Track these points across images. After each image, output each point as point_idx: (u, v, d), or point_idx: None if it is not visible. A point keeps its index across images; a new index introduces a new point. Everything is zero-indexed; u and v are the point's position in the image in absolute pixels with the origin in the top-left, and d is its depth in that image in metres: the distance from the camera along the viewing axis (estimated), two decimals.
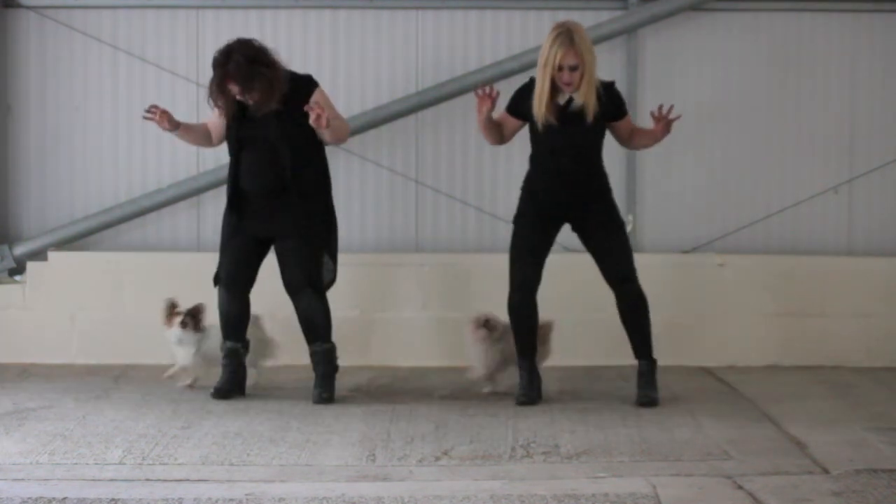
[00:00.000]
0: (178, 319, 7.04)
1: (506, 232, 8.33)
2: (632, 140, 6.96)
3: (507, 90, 8.12)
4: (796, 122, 8.42)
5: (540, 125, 6.72)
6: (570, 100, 6.69)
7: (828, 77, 8.41)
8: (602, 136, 6.86)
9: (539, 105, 6.67)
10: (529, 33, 8.31)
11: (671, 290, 8.02)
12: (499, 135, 7.01)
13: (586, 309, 7.68)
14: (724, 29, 8.39)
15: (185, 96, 8.31)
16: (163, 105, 8.33)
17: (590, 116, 6.66)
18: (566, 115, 6.70)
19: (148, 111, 6.87)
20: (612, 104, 6.78)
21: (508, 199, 8.35)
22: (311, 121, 6.66)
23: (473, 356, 7.10)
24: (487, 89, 6.79)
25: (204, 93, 7.93)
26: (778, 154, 8.43)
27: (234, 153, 6.90)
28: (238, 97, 6.73)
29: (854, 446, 5.86)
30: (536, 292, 6.87)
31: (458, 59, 8.33)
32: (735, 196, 8.43)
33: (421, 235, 8.42)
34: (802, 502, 4.95)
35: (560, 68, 6.60)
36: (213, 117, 6.99)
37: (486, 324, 7.03)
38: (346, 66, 8.34)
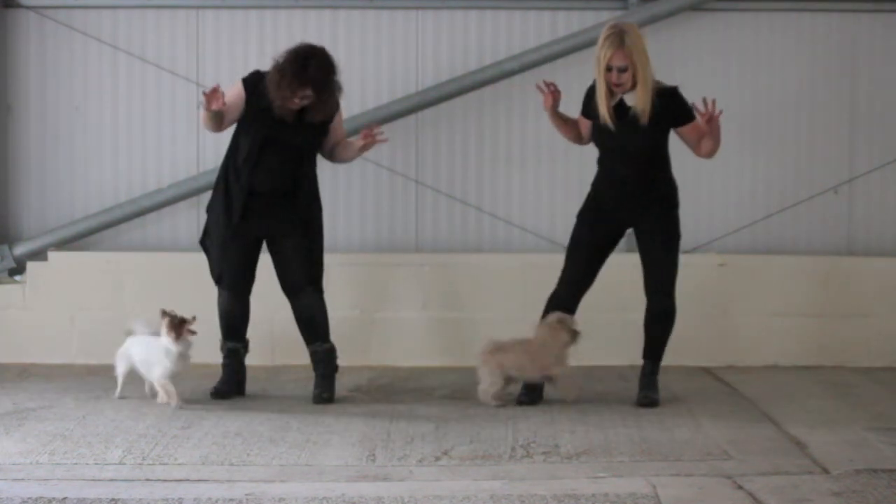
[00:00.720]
0: (188, 327, 6.79)
1: (506, 232, 8.38)
2: (700, 147, 6.74)
3: (507, 90, 8.16)
4: (796, 121, 8.42)
5: (606, 126, 6.63)
6: (622, 102, 6.63)
7: (828, 77, 8.41)
8: (663, 142, 6.73)
9: (602, 106, 6.60)
10: (529, 33, 8.31)
11: None
12: (574, 133, 6.95)
13: (586, 309, 7.65)
14: (724, 29, 8.39)
15: (185, 96, 8.31)
16: (162, 105, 8.36)
17: (644, 120, 6.57)
18: (621, 118, 6.63)
19: (212, 92, 6.59)
20: (673, 109, 6.66)
21: (508, 199, 8.38)
22: (360, 146, 6.83)
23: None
24: (545, 84, 6.73)
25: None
26: (778, 154, 8.43)
27: (255, 152, 6.79)
28: (300, 102, 6.65)
29: (854, 446, 5.86)
30: (583, 294, 6.81)
31: (458, 59, 8.33)
32: (735, 196, 8.43)
33: (421, 235, 8.42)
34: (802, 502, 4.95)
35: (609, 69, 6.54)
36: (229, 101, 6.70)
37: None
38: (346, 66, 8.26)
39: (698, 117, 6.61)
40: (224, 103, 6.63)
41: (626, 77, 6.55)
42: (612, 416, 6.51)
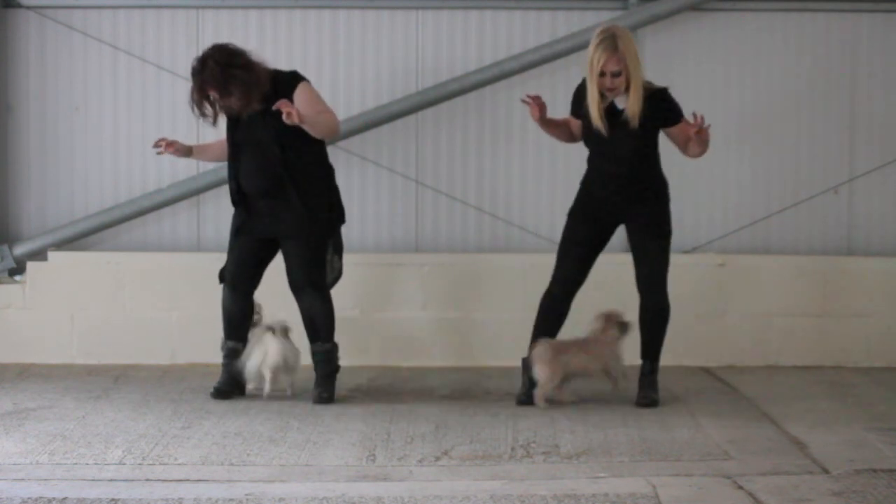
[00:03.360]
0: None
1: (506, 232, 8.37)
2: (687, 148, 6.79)
3: (507, 90, 8.17)
4: (796, 121, 8.42)
5: (596, 129, 6.66)
6: (613, 104, 6.65)
7: (828, 77, 8.41)
8: (653, 142, 6.77)
9: (594, 110, 6.63)
10: (529, 33, 8.31)
11: (671, 290, 8.01)
12: (566, 134, 6.98)
13: (586, 309, 7.65)
14: (724, 29, 8.39)
15: (185, 96, 8.28)
16: (162, 105, 8.36)
17: (634, 122, 6.61)
18: (613, 120, 6.66)
19: (155, 145, 6.96)
20: (662, 110, 6.70)
21: (509, 199, 8.38)
22: (284, 118, 6.64)
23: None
24: (533, 95, 6.76)
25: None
26: (778, 154, 8.42)
27: (233, 157, 6.91)
28: (219, 103, 6.76)
29: (854, 446, 5.86)
30: (575, 293, 6.85)
31: (458, 59, 8.33)
32: (735, 196, 8.43)
33: (421, 235, 8.42)
34: (802, 502, 4.95)
35: (602, 74, 6.57)
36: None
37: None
38: (346, 66, 8.34)
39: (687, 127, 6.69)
40: (178, 152, 7.00)
41: (620, 81, 6.58)
42: (612, 416, 6.51)
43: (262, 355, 6.85)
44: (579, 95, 6.82)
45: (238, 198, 6.91)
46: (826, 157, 8.43)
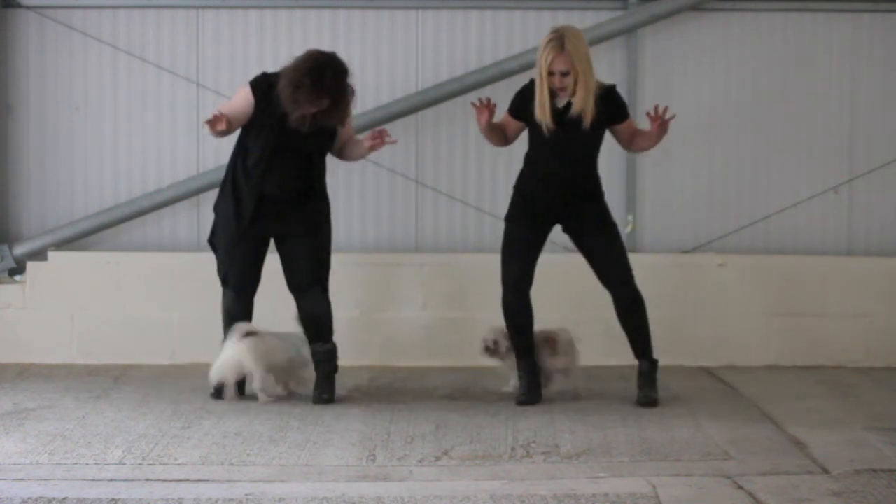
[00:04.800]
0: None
1: None
2: (633, 143, 6.93)
3: (507, 90, 8.12)
4: (796, 122, 8.42)
5: (542, 129, 6.71)
6: (569, 105, 6.68)
7: (828, 77, 8.41)
8: (600, 140, 6.85)
9: (541, 110, 6.67)
10: (529, 33, 8.31)
11: (671, 290, 8.02)
12: (502, 138, 7.01)
13: (586, 309, 7.67)
14: (724, 29, 8.39)
15: (185, 96, 8.31)
16: (162, 105, 8.36)
17: (586, 122, 6.65)
18: (564, 119, 6.69)
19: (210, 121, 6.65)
20: (612, 108, 6.77)
21: (508, 199, 8.36)
22: (367, 147, 6.84)
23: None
24: (484, 100, 6.80)
25: (204, 93, 7.98)
26: (778, 154, 8.43)
27: (266, 157, 6.77)
28: (315, 111, 6.63)
29: (854, 446, 5.86)
30: (529, 291, 6.87)
31: (458, 59, 8.33)
32: (735, 196, 8.43)
33: (421, 235, 8.42)
34: (802, 502, 4.95)
35: (551, 73, 6.61)
36: (236, 108, 6.75)
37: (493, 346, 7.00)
38: None
39: (646, 121, 6.76)
40: (229, 121, 6.63)
41: (568, 81, 6.62)
42: (612, 416, 6.51)
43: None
44: (524, 96, 6.83)
45: (253, 200, 6.80)
46: (826, 157, 8.43)
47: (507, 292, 6.87)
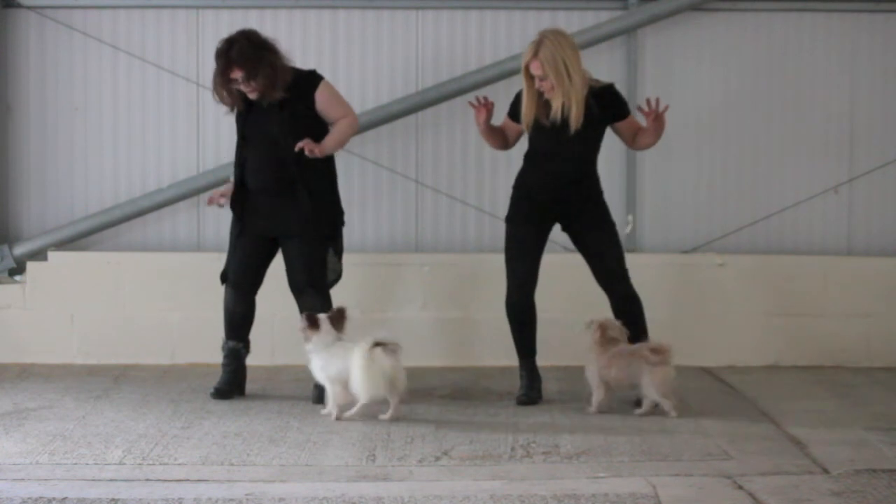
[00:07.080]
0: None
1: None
2: (636, 141, 6.90)
3: (507, 90, 8.13)
4: (796, 122, 8.42)
5: (527, 129, 6.73)
6: (562, 105, 6.68)
7: (828, 77, 8.41)
8: (598, 140, 6.84)
9: (526, 110, 6.71)
10: (529, 33, 8.25)
11: (671, 290, 8.02)
12: (502, 140, 7.02)
13: (586, 309, 7.66)
14: (724, 29, 8.39)
15: (185, 96, 8.31)
16: (162, 105, 8.37)
17: (573, 124, 6.63)
18: (556, 119, 6.68)
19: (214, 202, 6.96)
20: (612, 106, 6.77)
21: (508, 199, 8.36)
22: (307, 153, 6.69)
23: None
24: (482, 98, 6.80)
25: (204, 93, 7.97)
26: (778, 154, 8.42)
27: (240, 150, 6.90)
28: (242, 87, 6.71)
29: (854, 446, 5.86)
30: (534, 292, 6.87)
31: (458, 59, 8.33)
32: (735, 196, 8.43)
33: (421, 235, 8.42)
34: (802, 502, 4.96)
35: (530, 76, 6.65)
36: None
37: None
38: (346, 66, 8.34)
39: (642, 116, 6.74)
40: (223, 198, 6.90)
41: (546, 84, 6.63)
42: (612, 416, 6.51)
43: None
44: (519, 99, 6.85)
45: (238, 195, 6.88)
46: (826, 157, 8.43)
47: (513, 293, 6.86)
